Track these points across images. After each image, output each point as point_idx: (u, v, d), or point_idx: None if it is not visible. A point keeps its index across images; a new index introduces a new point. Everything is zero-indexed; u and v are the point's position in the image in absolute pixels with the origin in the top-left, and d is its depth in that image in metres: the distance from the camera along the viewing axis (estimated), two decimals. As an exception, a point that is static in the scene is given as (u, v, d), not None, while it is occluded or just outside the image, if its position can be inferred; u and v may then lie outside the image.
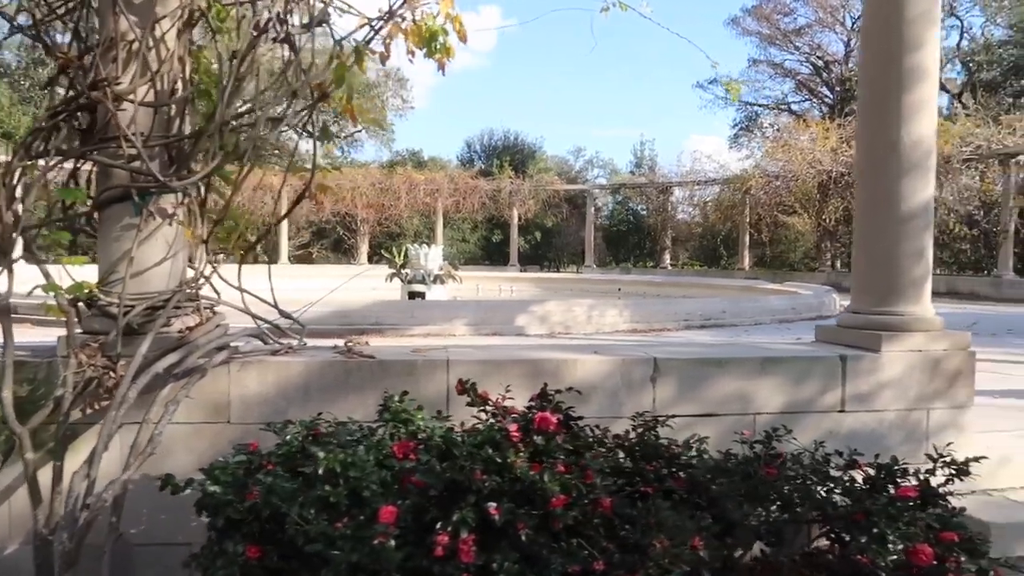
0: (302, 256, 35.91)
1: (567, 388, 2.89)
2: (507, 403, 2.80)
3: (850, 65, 37.57)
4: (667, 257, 33.06)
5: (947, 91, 37.65)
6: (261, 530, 2.45)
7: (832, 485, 3.12)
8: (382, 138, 39.82)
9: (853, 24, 39.84)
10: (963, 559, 2.64)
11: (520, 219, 34.89)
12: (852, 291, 4.15)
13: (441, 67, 3.29)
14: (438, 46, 3.22)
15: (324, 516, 2.38)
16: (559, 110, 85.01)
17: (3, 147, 22.53)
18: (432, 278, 18.56)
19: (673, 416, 3.41)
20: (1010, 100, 30.94)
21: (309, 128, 3.34)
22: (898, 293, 3.82)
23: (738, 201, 30.12)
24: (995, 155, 21.42)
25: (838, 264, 30.51)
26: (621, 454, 2.97)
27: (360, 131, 39.13)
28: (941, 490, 3.04)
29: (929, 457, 3.01)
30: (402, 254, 39.65)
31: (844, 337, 4.00)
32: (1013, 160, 20.94)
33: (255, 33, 3.01)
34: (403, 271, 19.07)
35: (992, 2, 34.29)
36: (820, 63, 41.99)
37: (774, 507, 2.96)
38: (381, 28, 3.19)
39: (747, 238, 29.93)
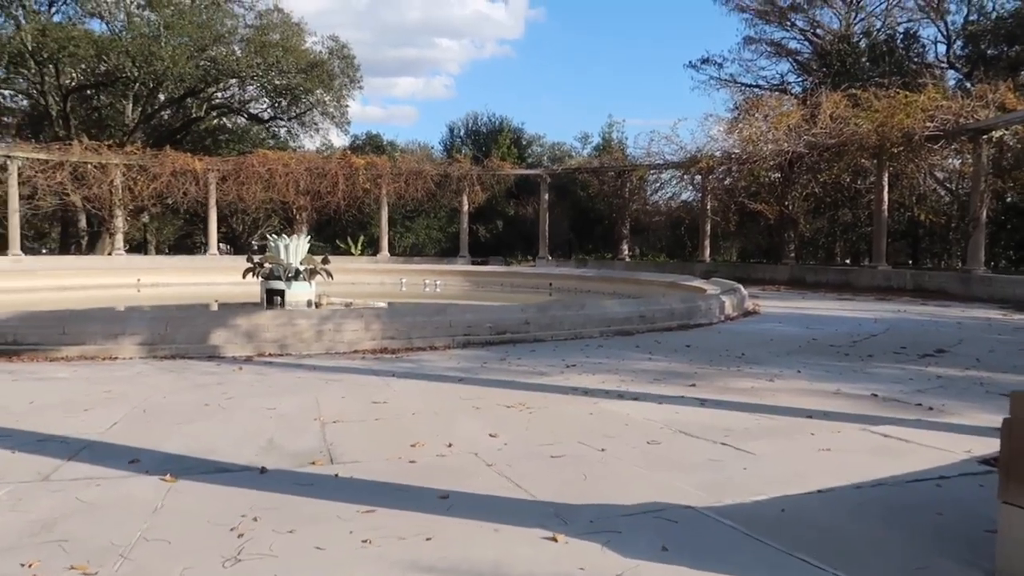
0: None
1: None
2: None
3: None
4: (625, 248, 30.16)
5: (956, 69, 34.14)
6: None
7: None
8: (335, 120, 37.26)
9: (853, -1, 36.47)
10: None
11: (470, 206, 32.19)
12: None
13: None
14: None
15: None
16: (583, 100, 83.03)
17: None
18: (292, 273, 15.98)
19: None
20: (1008, 73, 27.43)
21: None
22: None
23: (696, 185, 27.22)
24: (964, 131, 18.24)
25: (806, 257, 27.54)
26: None
27: (306, 112, 36.70)
28: None
29: None
30: (360, 243, 37.40)
31: None
32: (984, 136, 17.75)
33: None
34: (265, 266, 16.51)
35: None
36: (818, 41, 38.50)
37: None
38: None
39: (707, 227, 26.95)
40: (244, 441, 4.45)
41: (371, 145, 40.48)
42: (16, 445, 4.31)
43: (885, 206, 20.86)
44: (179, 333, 7.68)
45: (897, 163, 20.59)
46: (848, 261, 32.04)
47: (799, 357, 7.96)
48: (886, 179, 20.71)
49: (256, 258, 16.62)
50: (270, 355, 7.72)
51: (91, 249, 33.27)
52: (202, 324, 7.86)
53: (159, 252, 39.85)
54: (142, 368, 6.92)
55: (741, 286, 14.16)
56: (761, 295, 17.48)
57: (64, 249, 36.16)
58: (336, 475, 3.77)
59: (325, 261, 17.02)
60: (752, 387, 6.28)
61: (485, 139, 44.52)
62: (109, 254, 29.35)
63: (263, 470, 3.85)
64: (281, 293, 15.73)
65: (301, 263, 16.40)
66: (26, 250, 42.88)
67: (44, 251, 42.33)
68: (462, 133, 48.00)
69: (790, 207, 24.39)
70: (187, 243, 42.20)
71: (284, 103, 36.22)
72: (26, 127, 38.63)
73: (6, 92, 38.56)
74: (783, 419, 5.12)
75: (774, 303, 15.23)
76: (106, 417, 5.00)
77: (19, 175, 26.37)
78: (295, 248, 16.34)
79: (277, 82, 34.68)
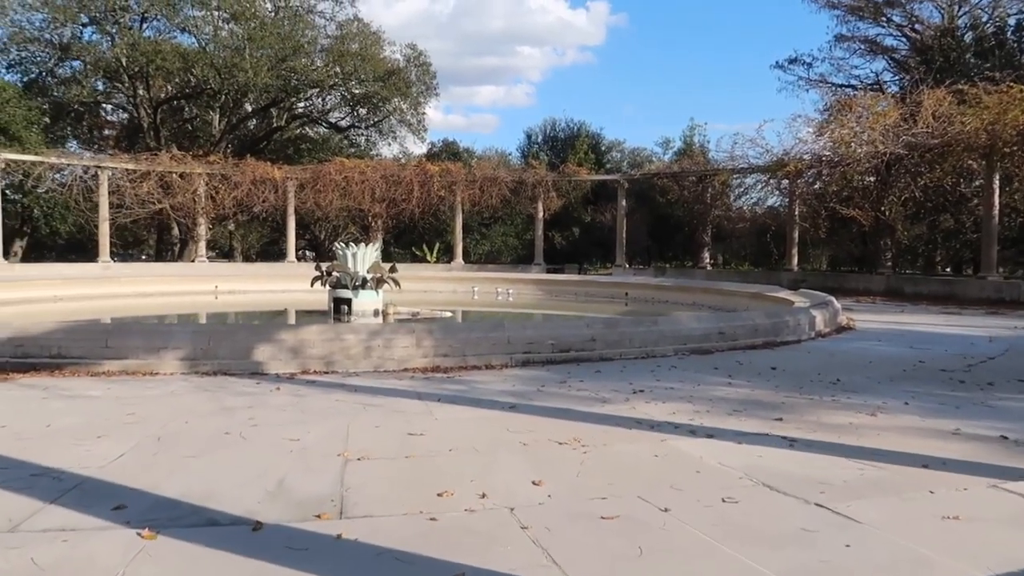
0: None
1: None
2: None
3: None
4: (706, 256, 28.88)
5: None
6: None
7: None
8: (412, 128, 37.31)
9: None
10: None
11: (546, 213, 31.53)
12: None
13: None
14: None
15: None
16: (665, 104, 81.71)
17: None
18: (359, 282, 15.71)
19: None
20: None
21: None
22: None
23: (782, 190, 25.79)
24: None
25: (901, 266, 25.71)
26: None
27: (384, 119, 36.86)
28: None
29: None
30: (436, 251, 37.30)
31: None
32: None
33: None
34: (333, 275, 16.27)
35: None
36: (917, 36, 36.18)
37: None
38: None
39: (795, 234, 25.48)
40: (252, 482, 3.90)
41: (447, 152, 40.38)
42: (5, 480, 3.88)
43: (996, 211, 19.10)
44: (221, 348, 7.28)
45: (1010, 164, 18.83)
46: (949, 270, 29.87)
47: (905, 384, 6.94)
48: (997, 181, 18.97)
49: (324, 266, 16.42)
50: (315, 372, 7.24)
51: (181, 255, 34.24)
52: (245, 339, 7.44)
53: (246, 258, 40.83)
54: (178, 386, 6.52)
55: (833, 298, 13.00)
56: (855, 308, 16.18)
57: (159, 255, 37.45)
58: (339, 536, 3.14)
59: (393, 270, 16.68)
60: (851, 423, 5.37)
61: (563, 145, 43.97)
62: (193, 261, 30.04)
63: (257, 526, 3.26)
64: (348, 302, 15.46)
65: (368, 272, 16.10)
66: (125, 256, 44.84)
67: (143, 256, 44.09)
68: (540, 139, 47.61)
69: (887, 213, 22.75)
70: (273, 249, 43.10)
71: (363, 112, 36.49)
72: (123, 139, 40.29)
73: (107, 106, 40.31)
74: (892, 469, 4.23)
75: (870, 317, 13.97)
76: (116, 446, 4.55)
77: (109, 185, 27.24)
78: (363, 257, 16.05)
79: (356, 91, 34.97)
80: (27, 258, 33.44)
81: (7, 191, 30.23)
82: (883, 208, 22.67)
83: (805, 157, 23.91)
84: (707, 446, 4.70)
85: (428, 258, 34.90)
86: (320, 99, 36.63)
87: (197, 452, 4.46)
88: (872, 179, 22.86)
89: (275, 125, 37.87)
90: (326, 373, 7.24)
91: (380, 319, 15.29)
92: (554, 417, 5.45)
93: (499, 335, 7.93)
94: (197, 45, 33.72)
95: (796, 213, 25.12)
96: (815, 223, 25.29)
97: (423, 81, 35.51)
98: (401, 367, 7.44)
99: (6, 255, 32.04)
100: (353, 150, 38.53)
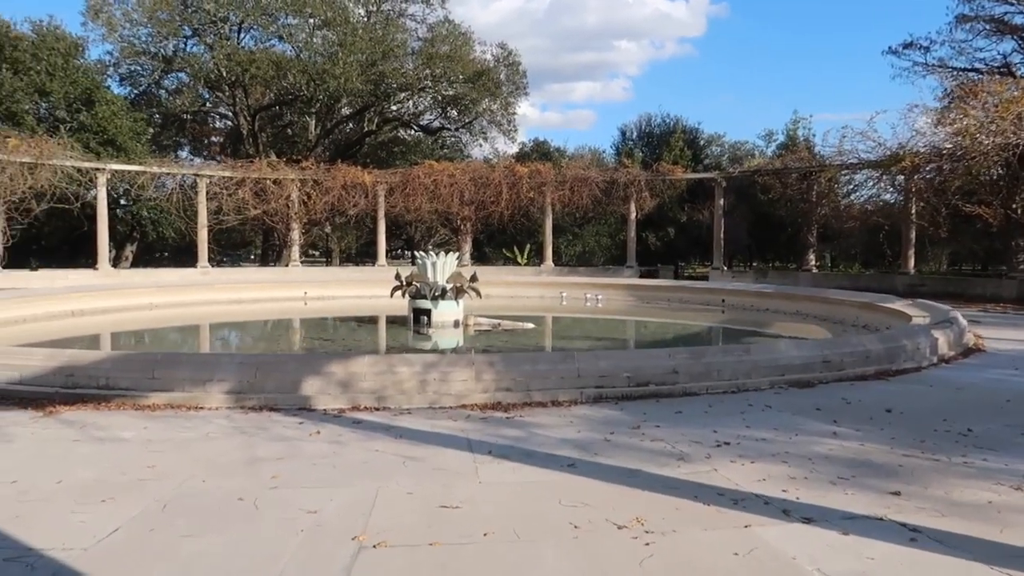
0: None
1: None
2: None
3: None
4: (811, 257, 27.04)
5: None
6: None
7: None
8: (502, 128, 36.85)
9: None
10: None
11: (639, 213, 30.38)
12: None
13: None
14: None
15: None
16: (769, 95, 78.71)
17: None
18: (438, 292, 15.25)
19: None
20: None
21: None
22: None
23: (897, 186, 23.75)
24: None
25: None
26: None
27: (474, 120, 36.54)
28: None
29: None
30: (527, 252, 36.77)
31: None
32: None
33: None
34: (414, 285, 15.88)
35: None
36: (1051, 11, 32.73)
37: None
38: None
39: (911, 234, 23.45)
40: (242, 580, 3.29)
41: (538, 152, 39.76)
42: (-25, 567, 3.42)
43: None
44: (268, 381, 6.82)
45: None
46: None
47: (1055, 438, 5.73)
48: None
49: (404, 276, 16.04)
50: (365, 408, 6.67)
51: (279, 258, 35.08)
52: (293, 372, 6.96)
53: (343, 259, 41.52)
54: (215, 427, 6.06)
55: (958, 315, 11.50)
56: (983, 320, 14.50)
57: (264, 257, 38.51)
58: None
59: (474, 279, 16.15)
60: (990, 502, 4.31)
61: (658, 141, 42.63)
62: (287, 266, 30.57)
63: (216, 664, 2.64)
64: (428, 313, 15.04)
65: (448, 281, 15.61)
66: (234, 257, 46.46)
67: (252, 257, 45.52)
68: (635, 136, 46.40)
69: (1019, 210, 20.50)
70: (371, 250, 43.68)
71: (454, 113, 36.35)
72: (227, 145, 41.73)
73: (215, 114, 41.83)
74: (1053, 589, 3.21)
75: (1002, 334, 12.35)
76: (115, 515, 4.06)
77: (207, 192, 28.02)
78: (442, 266, 15.57)
79: (446, 93, 34.82)
80: (137, 262, 35.04)
81: (121, 199, 31.71)
82: (1015, 205, 20.45)
83: (922, 150, 21.91)
84: (803, 538, 3.78)
85: (519, 260, 34.42)
86: (411, 102, 36.71)
87: (197, 529, 3.90)
88: (1001, 172, 20.67)
89: (367, 129, 38.23)
90: (377, 410, 6.65)
91: (460, 330, 14.79)
92: (618, 482, 4.63)
93: (568, 367, 7.15)
94: (292, 52, 34.36)
95: (912, 211, 23.08)
96: (934, 221, 23.16)
97: (513, 81, 34.99)
98: (459, 403, 6.78)
99: (117, 261, 33.59)
100: (444, 151, 38.50)
